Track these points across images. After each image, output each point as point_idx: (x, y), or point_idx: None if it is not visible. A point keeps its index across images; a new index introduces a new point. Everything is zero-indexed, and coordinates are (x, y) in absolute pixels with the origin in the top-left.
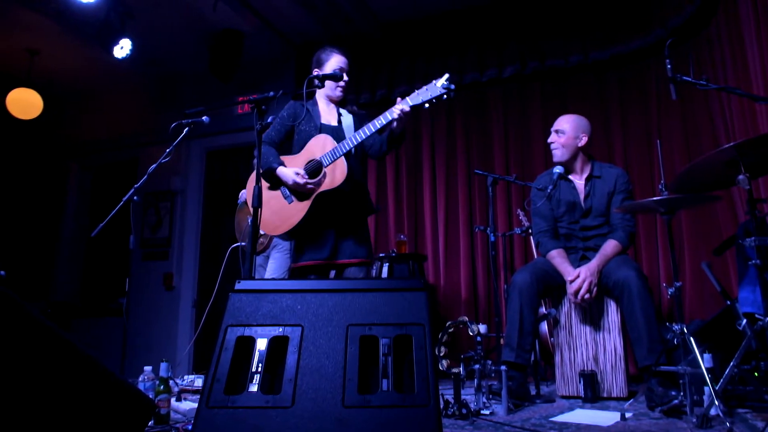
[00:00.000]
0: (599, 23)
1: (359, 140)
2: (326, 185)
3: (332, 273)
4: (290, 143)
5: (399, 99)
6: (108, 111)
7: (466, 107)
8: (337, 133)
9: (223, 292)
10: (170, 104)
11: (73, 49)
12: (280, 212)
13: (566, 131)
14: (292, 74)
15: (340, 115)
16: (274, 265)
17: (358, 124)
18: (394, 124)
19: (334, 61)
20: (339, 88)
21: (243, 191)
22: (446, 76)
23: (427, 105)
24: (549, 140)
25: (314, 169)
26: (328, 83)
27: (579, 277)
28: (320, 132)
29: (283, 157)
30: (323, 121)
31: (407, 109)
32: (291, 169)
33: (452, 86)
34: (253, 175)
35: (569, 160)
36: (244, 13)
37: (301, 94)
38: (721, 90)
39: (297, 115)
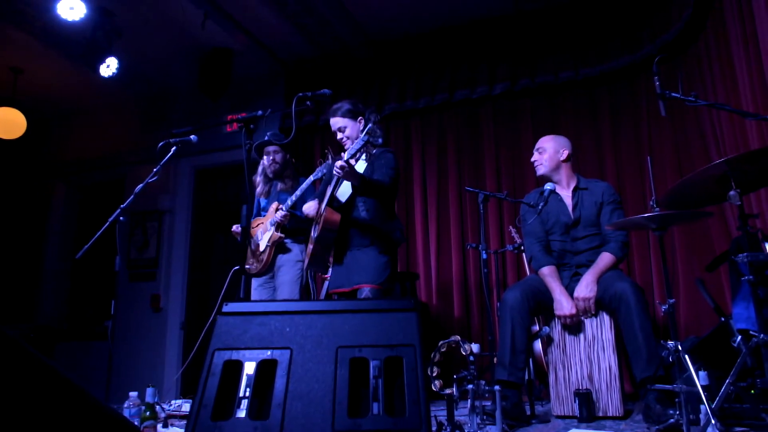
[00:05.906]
0: (589, 40)
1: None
2: (318, 230)
3: None
4: None
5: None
6: (95, 130)
7: (457, 124)
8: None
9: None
10: (158, 123)
11: (58, 68)
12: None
13: (547, 149)
14: (282, 92)
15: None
16: (283, 287)
17: (369, 170)
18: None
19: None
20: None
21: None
22: (368, 126)
23: (363, 151)
24: (532, 159)
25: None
26: None
27: (567, 308)
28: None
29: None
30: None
31: (340, 163)
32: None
33: (378, 137)
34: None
35: (553, 172)
36: (233, 32)
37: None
38: (710, 106)
39: (327, 170)
